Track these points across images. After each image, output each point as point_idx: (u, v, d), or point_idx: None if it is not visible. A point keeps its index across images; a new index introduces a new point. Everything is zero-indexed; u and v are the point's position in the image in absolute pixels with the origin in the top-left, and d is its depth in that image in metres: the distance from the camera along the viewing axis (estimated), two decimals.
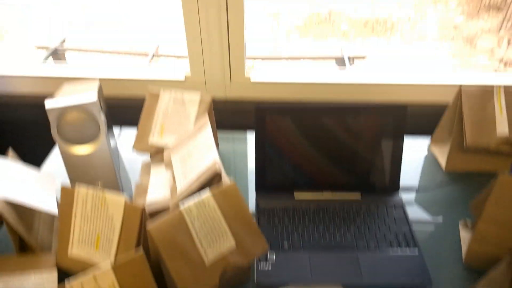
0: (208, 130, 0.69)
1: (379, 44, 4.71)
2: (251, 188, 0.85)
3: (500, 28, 4.68)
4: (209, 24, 0.94)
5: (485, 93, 0.80)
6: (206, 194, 0.59)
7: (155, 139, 0.78)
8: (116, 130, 1.00)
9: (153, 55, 3.65)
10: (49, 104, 0.69)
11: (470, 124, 0.78)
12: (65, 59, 3.29)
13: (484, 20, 4.79)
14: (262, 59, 4.45)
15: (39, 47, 3.68)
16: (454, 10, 4.99)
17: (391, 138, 0.78)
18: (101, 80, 1.04)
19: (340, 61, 3.30)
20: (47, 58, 3.08)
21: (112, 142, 0.86)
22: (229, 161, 0.93)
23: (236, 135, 1.02)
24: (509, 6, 4.67)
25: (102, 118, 0.72)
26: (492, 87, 0.80)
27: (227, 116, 1.07)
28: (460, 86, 0.80)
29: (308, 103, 1.05)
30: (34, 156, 1.04)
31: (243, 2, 0.91)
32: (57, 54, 3.18)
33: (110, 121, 0.89)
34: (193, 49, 0.98)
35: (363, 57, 3.76)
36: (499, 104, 0.78)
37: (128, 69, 1.06)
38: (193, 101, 0.80)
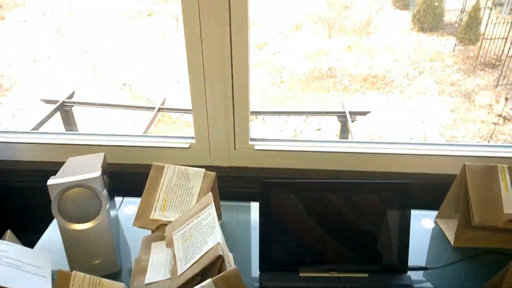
0: (211, 210, 0.68)
1: (378, 99, 4.82)
2: (255, 261, 0.82)
3: (497, 85, 4.81)
4: (214, 94, 0.96)
5: (490, 170, 0.79)
6: (207, 282, 0.57)
7: (156, 214, 0.77)
8: (118, 198, 0.99)
9: (159, 109, 3.73)
10: (51, 180, 0.69)
11: (476, 202, 0.77)
12: (72, 113, 3.36)
13: (481, 77, 4.94)
14: (266, 114, 4.53)
15: (45, 101, 3.76)
16: (451, 68, 5.17)
17: (397, 216, 0.76)
18: (105, 147, 1.05)
19: (342, 117, 3.36)
20: (54, 112, 3.14)
21: (114, 214, 0.85)
22: (233, 232, 0.91)
23: (240, 204, 1.00)
24: (503, 64, 4.83)
25: (104, 194, 0.71)
26: (495, 164, 0.80)
27: (231, 184, 1.06)
28: (464, 164, 0.80)
29: (313, 178, 1.05)
30: (37, 221, 1.02)
31: (248, 73, 0.94)
32: (63, 108, 3.25)
33: (113, 192, 0.88)
34: (198, 117, 1.00)
35: (365, 113, 3.83)
36: (505, 183, 0.78)
37: (133, 137, 1.07)
38: (197, 176, 0.80)
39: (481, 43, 4.90)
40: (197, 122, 1.01)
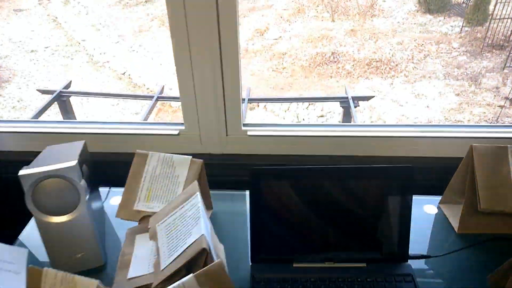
0: (196, 200, 0.63)
1: (383, 84, 4.73)
2: (248, 251, 0.77)
3: (504, 67, 4.69)
4: (203, 77, 0.91)
5: (499, 152, 0.74)
6: (189, 277, 0.52)
7: (140, 205, 0.73)
8: (105, 189, 0.94)
9: (158, 98, 3.67)
10: (23, 171, 0.64)
11: (483, 186, 0.72)
12: (69, 103, 3.31)
13: (488, 59, 4.81)
14: (266, 101, 4.46)
15: (42, 91, 3.71)
16: (457, 50, 5.04)
17: (398, 202, 0.71)
18: (92, 135, 1.00)
19: (345, 102, 3.29)
20: (51, 103, 3.09)
21: (97, 205, 0.81)
22: (225, 222, 0.86)
23: (234, 192, 0.96)
24: None
25: (82, 185, 0.67)
26: (505, 145, 0.74)
27: (223, 172, 1.01)
28: (471, 146, 0.74)
29: (308, 164, 1.00)
30: (20, 214, 0.98)
31: (238, 55, 0.88)
32: (61, 98, 3.20)
33: (96, 182, 0.84)
34: (186, 102, 0.95)
35: (368, 99, 3.74)
36: None
37: (120, 124, 1.02)
38: (183, 164, 0.75)
39: (489, 23, 4.76)
40: (186, 108, 0.95)
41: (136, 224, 0.76)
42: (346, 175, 0.70)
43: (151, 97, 3.69)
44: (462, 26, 5.06)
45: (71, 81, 3.47)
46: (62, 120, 1.01)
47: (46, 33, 6.00)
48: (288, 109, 4.48)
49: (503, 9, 4.54)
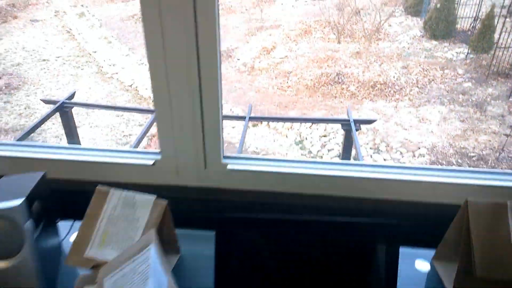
0: (149, 253, 0.56)
1: (387, 106, 4.67)
2: None
3: (510, 95, 4.62)
4: (180, 105, 0.84)
5: (497, 209, 0.66)
6: None
7: (92, 251, 0.65)
8: (68, 223, 0.87)
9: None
10: None
11: (480, 250, 0.63)
12: (72, 113, 3.26)
13: (493, 86, 4.75)
14: (267, 120, 4.40)
15: (45, 101, 3.67)
16: (462, 76, 4.98)
17: (382, 261, 0.63)
18: (60, 161, 0.93)
19: (347, 125, 3.22)
20: (53, 113, 3.04)
21: (51, 244, 0.73)
22: (193, 267, 0.78)
23: (207, 233, 0.87)
24: None
25: (27, 226, 0.60)
26: (504, 201, 0.66)
27: (200, 207, 0.94)
28: (467, 201, 0.66)
29: (283, 214, 0.93)
30: None
31: (218, 82, 0.82)
32: (64, 109, 3.15)
33: (54, 217, 0.76)
34: (163, 130, 0.88)
35: (370, 122, 3.66)
36: None
37: (94, 151, 0.95)
38: (145, 206, 0.67)
39: (494, 51, 4.72)
40: (163, 136, 0.89)
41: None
42: (325, 229, 0.63)
43: (152, 111, 3.64)
44: (468, 53, 5.02)
45: (75, 92, 3.43)
46: (31, 144, 0.94)
47: (59, 44, 6.08)
48: (291, 127, 4.42)
49: (508, 38, 4.50)
